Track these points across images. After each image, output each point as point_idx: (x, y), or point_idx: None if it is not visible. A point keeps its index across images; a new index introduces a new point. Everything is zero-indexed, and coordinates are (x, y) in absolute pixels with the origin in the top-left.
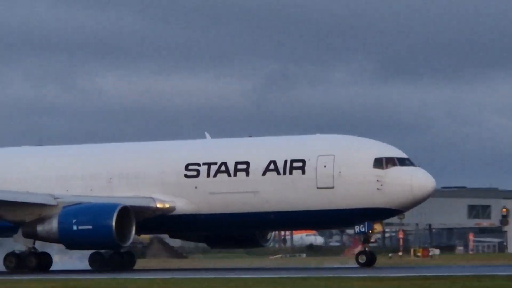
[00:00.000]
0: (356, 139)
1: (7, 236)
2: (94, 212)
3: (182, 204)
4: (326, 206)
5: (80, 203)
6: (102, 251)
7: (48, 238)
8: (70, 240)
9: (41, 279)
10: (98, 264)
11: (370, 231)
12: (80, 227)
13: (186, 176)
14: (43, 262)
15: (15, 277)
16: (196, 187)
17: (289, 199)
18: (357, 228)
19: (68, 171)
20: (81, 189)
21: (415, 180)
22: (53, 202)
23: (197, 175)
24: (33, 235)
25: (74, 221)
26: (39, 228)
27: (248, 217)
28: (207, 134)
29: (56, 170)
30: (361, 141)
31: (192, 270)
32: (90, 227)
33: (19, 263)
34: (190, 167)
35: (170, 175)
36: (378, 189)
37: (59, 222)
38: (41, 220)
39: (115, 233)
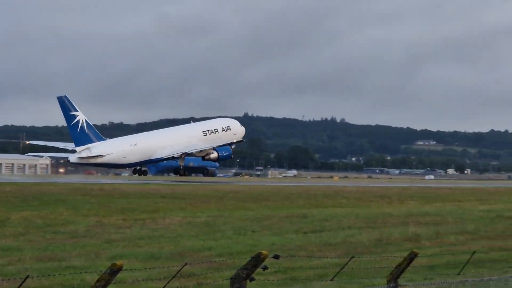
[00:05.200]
0: (227, 119)
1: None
2: (226, 149)
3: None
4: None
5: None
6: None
7: (213, 160)
8: (222, 159)
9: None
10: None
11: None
12: (225, 154)
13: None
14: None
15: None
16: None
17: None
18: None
19: None
20: None
21: (243, 129)
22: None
23: None
24: (209, 159)
25: (223, 152)
26: (211, 156)
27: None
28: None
29: None
30: (230, 119)
31: None
32: (227, 153)
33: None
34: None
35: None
36: (234, 134)
37: (219, 153)
38: (208, 154)
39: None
